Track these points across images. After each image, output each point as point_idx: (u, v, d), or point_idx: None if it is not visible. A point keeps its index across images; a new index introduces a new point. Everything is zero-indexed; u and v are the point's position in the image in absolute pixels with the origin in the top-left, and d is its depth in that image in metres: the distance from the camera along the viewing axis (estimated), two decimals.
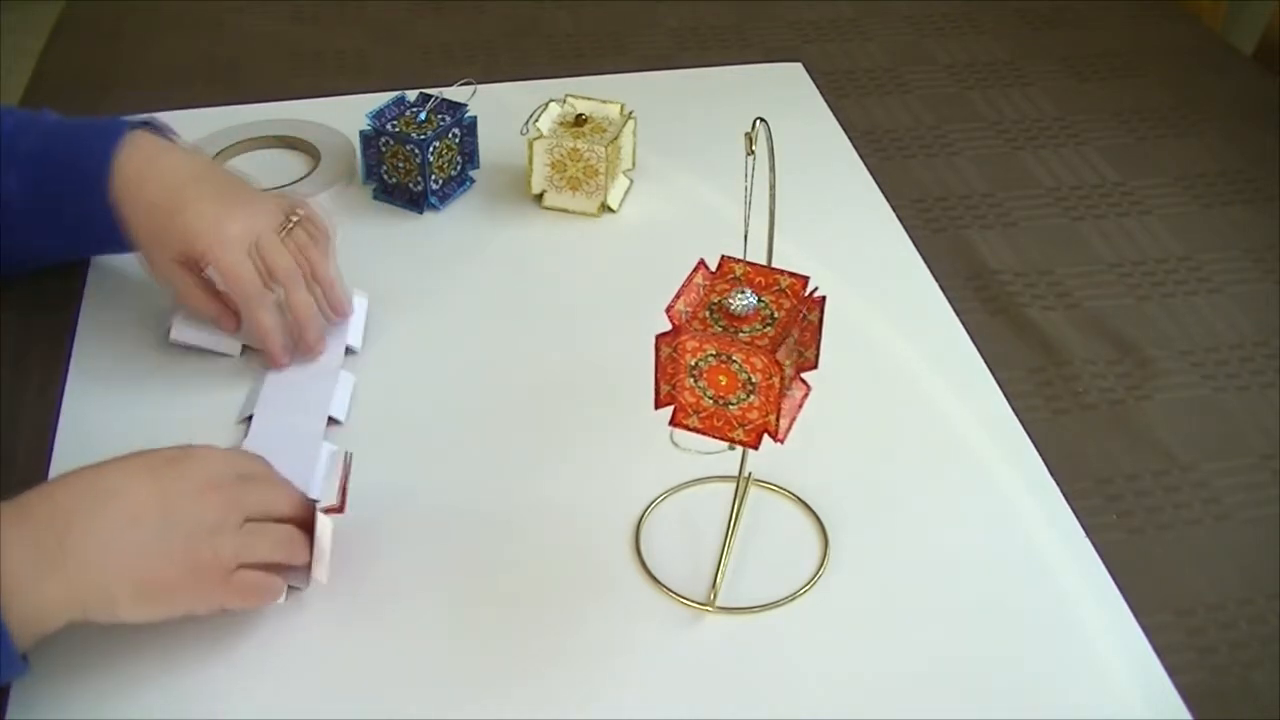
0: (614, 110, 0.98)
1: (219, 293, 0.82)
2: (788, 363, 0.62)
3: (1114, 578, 0.71)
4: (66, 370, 0.82)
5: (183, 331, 0.82)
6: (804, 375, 0.65)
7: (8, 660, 0.58)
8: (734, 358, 0.60)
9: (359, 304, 0.86)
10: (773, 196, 0.67)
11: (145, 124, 0.84)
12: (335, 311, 0.84)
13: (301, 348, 0.82)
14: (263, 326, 0.80)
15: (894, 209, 1.00)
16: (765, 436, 0.62)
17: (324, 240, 0.84)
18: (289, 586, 0.67)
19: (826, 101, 1.13)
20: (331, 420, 0.79)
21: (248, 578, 0.63)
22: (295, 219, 0.82)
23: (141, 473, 0.62)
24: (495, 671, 0.66)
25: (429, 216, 0.98)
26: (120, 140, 0.80)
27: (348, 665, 0.66)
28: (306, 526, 0.67)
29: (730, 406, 0.62)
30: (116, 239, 0.81)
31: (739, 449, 0.66)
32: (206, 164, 0.85)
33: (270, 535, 0.65)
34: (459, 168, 1.00)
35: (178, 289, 0.82)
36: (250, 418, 0.78)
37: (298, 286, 0.81)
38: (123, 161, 0.80)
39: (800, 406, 0.64)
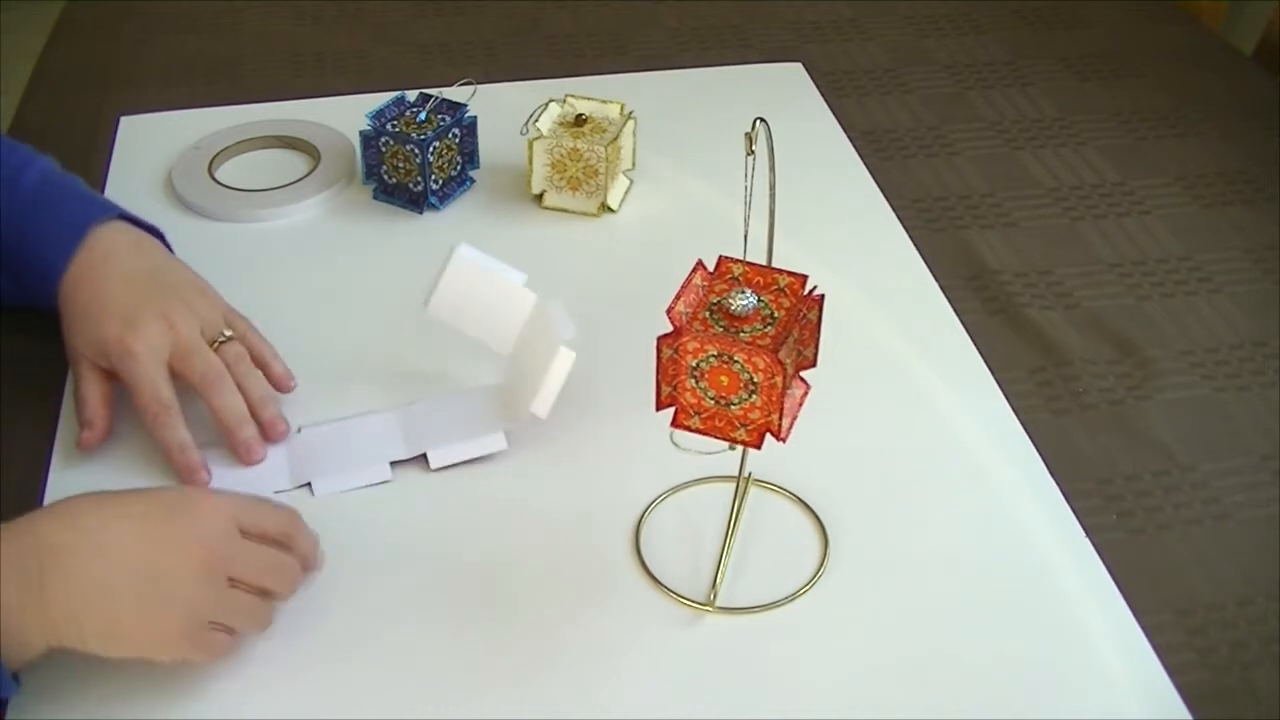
0: (614, 110, 0.98)
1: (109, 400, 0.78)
2: (788, 362, 0.62)
3: (1114, 578, 0.71)
4: (67, 373, 0.82)
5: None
6: (802, 374, 0.65)
7: (3, 681, 0.59)
8: (736, 358, 0.60)
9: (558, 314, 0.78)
10: (773, 196, 0.67)
11: (119, 216, 0.83)
12: (265, 434, 0.77)
13: (238, 451, 0.76)
14: (165, 445, 0.75)
15: (894, 209, 1.00)
16: (767, 436, 0.62)
17: (261, 356, 0.80)
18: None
19: (826, 101, 1.14)
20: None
21: (211, 638, 0.63)
22: (225, 336, 0.78)
23: (133, 520, 0.62)
24: (495, 671, 0.66)
25: (429, 216, 0.98)
26: (79, 245, 0.79)
27: (347, 664, 0.66)
28: (305, 558, 0.68)
29: (732, 407, 0.62)
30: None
31: (738, 449, 0.66)
32: (149, 268, 0.81)
33: (244, 604, 0.64)
34: (459, 168, 1.00)
35: (77, 384, 0.78)
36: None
37: (218, 392, 0.76)
38: (73, 269, 0.79)
39: (800, 405, 0.64)
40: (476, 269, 0.79)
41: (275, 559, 0.66)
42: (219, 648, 0.63)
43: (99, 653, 0.61)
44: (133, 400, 0.76)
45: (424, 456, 0.76)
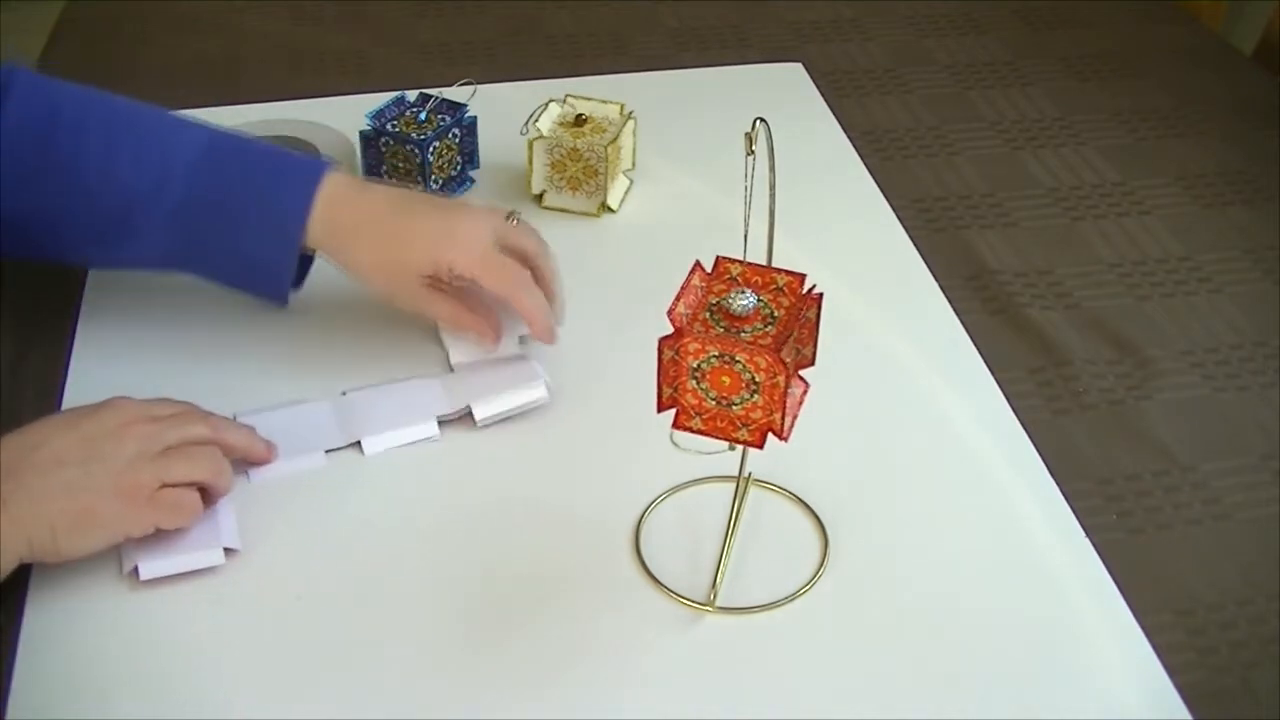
0: (614, 110, 0.98)
1: (474, 306, 0.81)
2: (789, 361, 0.62)
3: (1114, 578, 0.71)
4: (66, 370, 0.83)
5: (150, 566, 0.69)
6: (802, 373, 0.65)
7: None
8: (737, 358, 0.60)
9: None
10: (773, 196, 0.67)
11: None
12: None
13: (557, 317, 0.82)
14: (533, 307, 0.79)
15: (894, 209, 1.00)
16: (769, 436, 0.62)
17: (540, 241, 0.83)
18: (226, 549, 0.70)
19: (826, 101, 1.14)
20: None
21: (170, 495, 0.68)
22: (516, 217, 0.82)
23: (61, 425, 0.68)
24: (494, 672, 0.66)
25: None
26: (319, 183, 0.78)
27: (345, 664, 0.66)
28: (227, 453, 0.72)
29: (733, 407, 0.62)
30: (269, 280, 0.81)
31: (738, 449, 0.66)
32: (403, 190, 0.84)
33: (188, 456, 0.70)
34: (459, 168, 1.00)
35: (434, 312, 0.80)
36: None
37: (547, 257, 0.82)
38: (320, 207, 0.78)
39: (800, 404, 0.64)
40: None
41: (204, 422, 0.72)
42: (182, 506, 0.68)
43: (72, 552, 0.66)
44: (492, 280, 0.78)
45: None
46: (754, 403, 0.61)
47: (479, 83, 1.00)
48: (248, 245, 0.79)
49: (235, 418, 0.78)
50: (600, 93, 1.00)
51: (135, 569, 0.68)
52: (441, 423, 0.79)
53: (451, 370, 0.82)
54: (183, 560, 0.69)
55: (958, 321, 0.89)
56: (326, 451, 0.77)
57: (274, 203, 0.78)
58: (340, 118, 1.05)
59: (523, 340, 0.84)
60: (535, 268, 0.81)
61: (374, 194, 0.80)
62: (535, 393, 0.80)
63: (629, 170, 1.00)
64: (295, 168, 0.80)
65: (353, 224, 0.79)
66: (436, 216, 0.79)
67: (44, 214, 0.78)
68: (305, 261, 0.83)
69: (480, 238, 0.79)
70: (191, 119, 0.82)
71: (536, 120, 0.96)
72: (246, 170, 0.79)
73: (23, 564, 0.66)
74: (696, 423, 0.63)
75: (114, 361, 0.83)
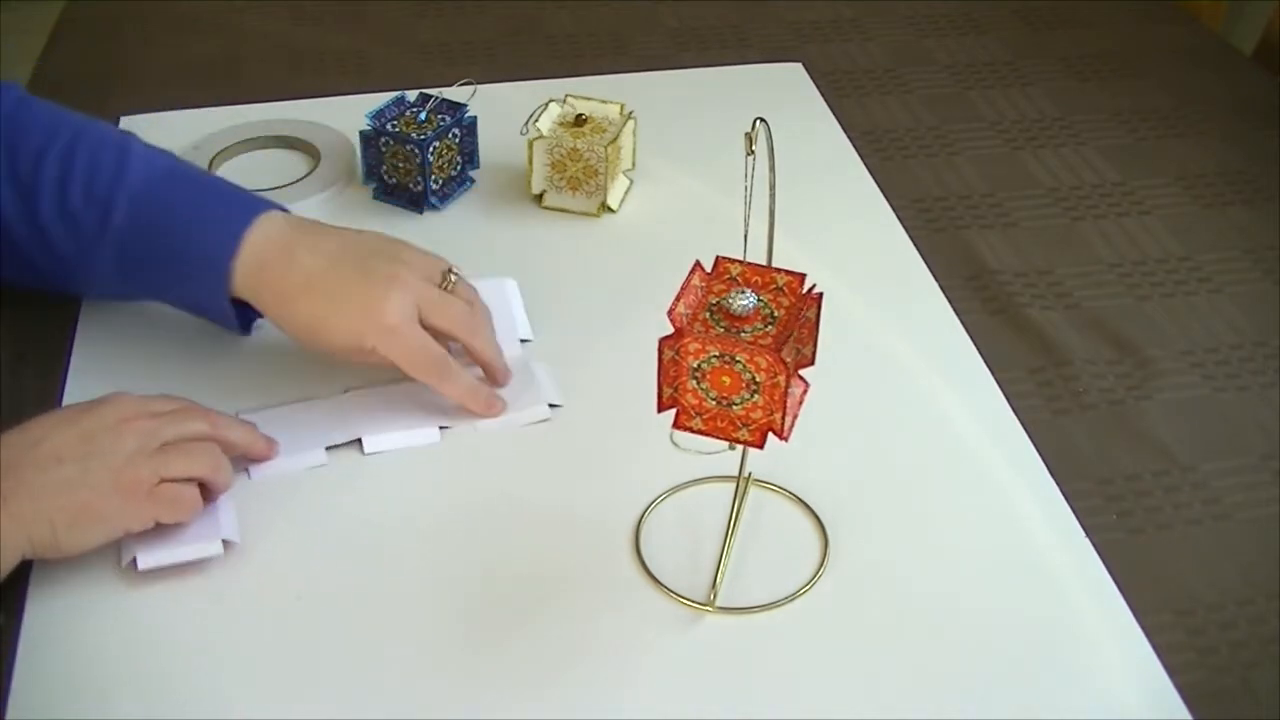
0: (614, 110, 0.98)
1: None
2: (789, 360, 0.62)
3: (1114, 578, 0.71)
4: (66, 370, 0.83)
5: (148, 557, 0.69)
6: (801, 372, 0.65)
7: None
8: (738, 358, 0.60)
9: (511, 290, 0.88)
10: (773, 196, 0.67)
11: (271, 207, 0.80)
12: (494, 381, 0.80)
13: (500, 383, 0.80)
14: (461, 393, 0.77)
15: (894, 209, 1.00)
16: (769, 436, 0.62)
17: (480, 306, 0.80)
18: (224, 541, 0.70)
19: (826, 101, 1.14)
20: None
21: (169, 490, 0.68)
22: (454, 277, 0.78)
23: (60, 421, 0.68)
24: (494, 672, 0.66)
25: (429, 216, 0.98)
26: (247, 229, 0.76)
27: (346, 664, 0.66)
28: (227, 450, 0.72)
29: (734, 407, 0.62)
30: (215, 318, 0.82)
31: (738, 448, 0.66)
32: (339, 245, 0.78)
33: (186, 452, 0.70)
34: (459, 168, 1.00)
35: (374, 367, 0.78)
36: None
37: (477, 332, 0.78)
38: (246, 257, 0.76)
39: (800, 404, 0.64)
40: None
41: (203, 419, 0.72)
42: (181, 500, 0.68)
43: (72, 548, 0.66)
44: (412, 372, 0.76)
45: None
46: (754, 403, 0.61)
47: (479, 83, 1.00)
48: (184, 287, 0.80)
49: (237, 414, 0.78)
50: (600, 93, 1.00)
51: (134, 560, 0.68)
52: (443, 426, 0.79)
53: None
54: (181, 551, 0.69)
55: (958, 321, 0.89)
56: (327, 449, 0.77)
57: (200, 247, 0.77)
58: (340, 118, 1.05)
59: (524, 341, 0.84)
60: (463, 344, 0.78)
61: (306, 251, 0.76)
62: (537, 412, 0.80)
63: (629, 170, 1.00)
64: (227, 209, 0.78)
65: (280, 284, 0.76)
66: (362, 289, 0.75)
67: (13, 235, 0.79)
68: None
69: (402, 319, 0.74)
70: (152, 146, 0.82)
71: (536, 120, 0.96)
72: (180, 208, 0.78)
73: (23, 561, 0.66)
74: (697, 423, 0.63)
75: (114, 359, 0.83)
